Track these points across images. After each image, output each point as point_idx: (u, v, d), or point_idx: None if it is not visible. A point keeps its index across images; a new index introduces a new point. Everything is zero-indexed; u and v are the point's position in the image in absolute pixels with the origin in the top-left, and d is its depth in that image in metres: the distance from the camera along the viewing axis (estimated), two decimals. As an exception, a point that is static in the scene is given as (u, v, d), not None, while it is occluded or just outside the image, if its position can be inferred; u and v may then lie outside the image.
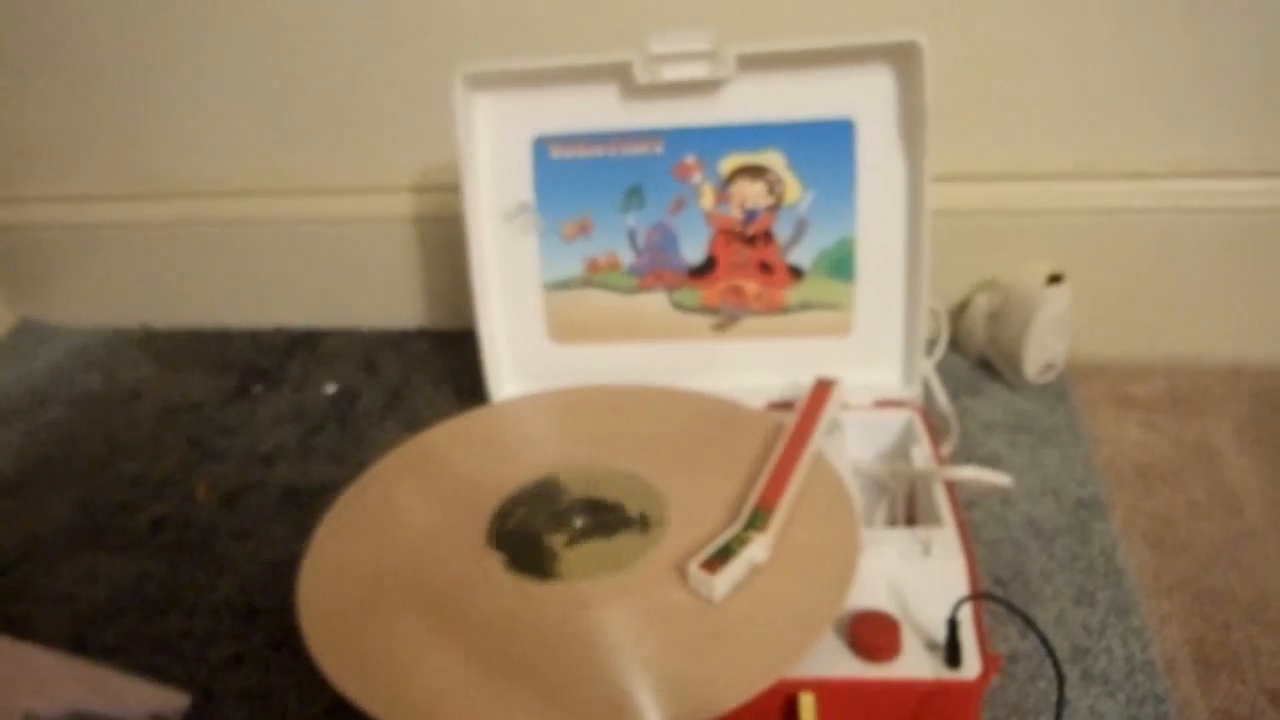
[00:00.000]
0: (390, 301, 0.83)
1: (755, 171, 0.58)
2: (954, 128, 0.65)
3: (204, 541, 0.60)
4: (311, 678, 0.39)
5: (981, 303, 0.69)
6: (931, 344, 0.64)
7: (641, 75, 0.56)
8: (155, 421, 0.74)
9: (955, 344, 0.71)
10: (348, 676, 0.38)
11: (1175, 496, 0.57)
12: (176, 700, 0.47)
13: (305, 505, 0.62)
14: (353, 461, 0.65)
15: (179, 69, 0.78)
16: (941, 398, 0.60)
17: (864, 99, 0.56)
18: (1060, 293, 0.64)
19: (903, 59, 0.54)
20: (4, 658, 0.45)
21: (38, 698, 0.41)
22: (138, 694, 0.46)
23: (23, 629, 0.54)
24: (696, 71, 0.55)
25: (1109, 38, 0.62)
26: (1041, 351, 0.65)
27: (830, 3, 0.64)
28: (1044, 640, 0.40)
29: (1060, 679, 0.39)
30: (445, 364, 0.77)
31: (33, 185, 0.86)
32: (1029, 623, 0.41)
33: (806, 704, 0.38)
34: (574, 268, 0.62)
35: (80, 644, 0.53)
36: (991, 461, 0.60)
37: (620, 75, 0.57)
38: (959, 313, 0.71)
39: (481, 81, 0.58)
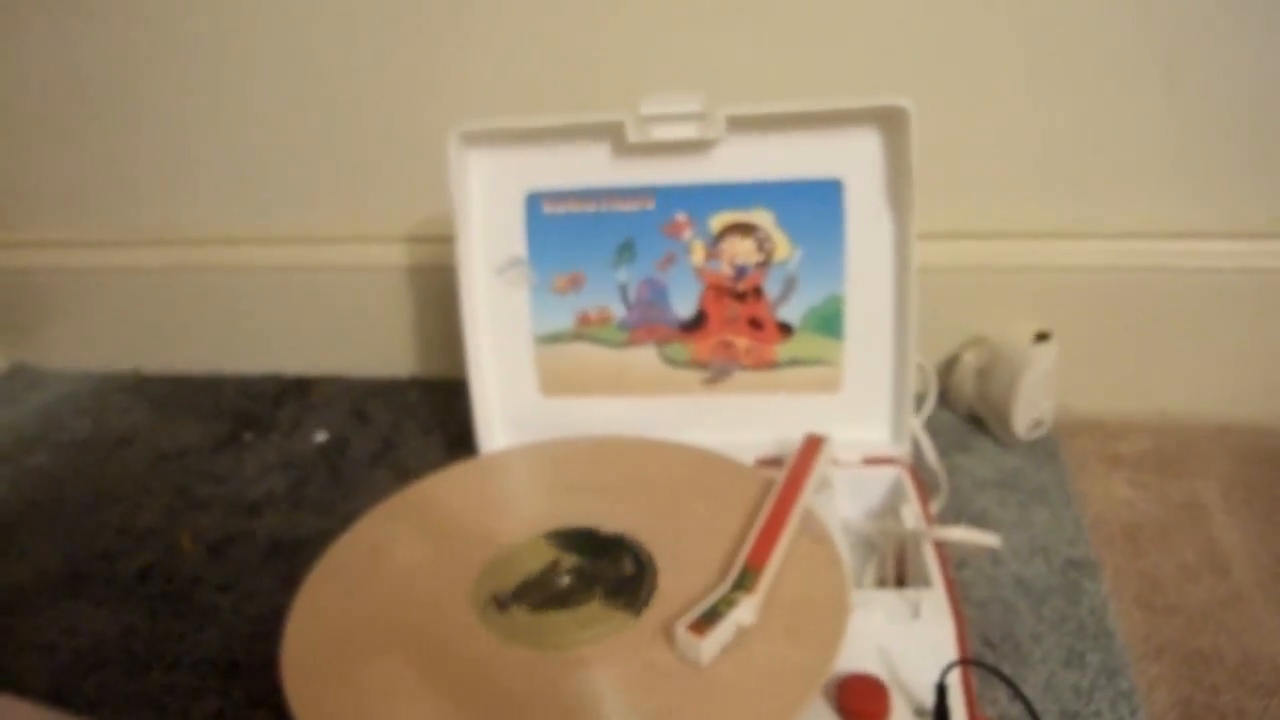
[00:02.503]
0: (382, 350, 0.83)
1: (745, 229, 0.59)
2: (942, 187, 0.66)
3: (189, 593, 0.59)
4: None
5: (969, 359, 0.69)
6: (920, 400, 0.64)
7: (633, 135, 0.57)
8: (144, 468, 0.74)
9: (944, 400, 0.72)
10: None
11: (1164, 557, 0.57)
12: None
13: (292, 557, 0.62)
14: (341, 512, 0.65)
15: (175, 117, 0.79)
16: (931, 454, 0.60)
17: (852, 160, 0.57)
18: (1047, 350, 0.65)
19: (890, 121, 0.55)
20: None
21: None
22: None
23: (2, 680, 0.53)
24: (687, 132, 0.56)
25: (1093, 101, 0.63)
26: (1030, 409, 0.65)
27: (819, 66, 0.65)
28: (1030, 709, 0.39)
29: (1048, 747, 0.39)
30: (435, 413, 0.77)
31: (28, 230, 0.87)
32: (1016, 691, 0.41)
33: (793, 771, 0.38)
34: (565, 321, 0.62)
35: (60, 697, 0.52)
36: (981, 519, 0.60)
37: (612, 134, 0.58)
38: (947, 369, 0.72)
39: (476, 139, 0.59)
